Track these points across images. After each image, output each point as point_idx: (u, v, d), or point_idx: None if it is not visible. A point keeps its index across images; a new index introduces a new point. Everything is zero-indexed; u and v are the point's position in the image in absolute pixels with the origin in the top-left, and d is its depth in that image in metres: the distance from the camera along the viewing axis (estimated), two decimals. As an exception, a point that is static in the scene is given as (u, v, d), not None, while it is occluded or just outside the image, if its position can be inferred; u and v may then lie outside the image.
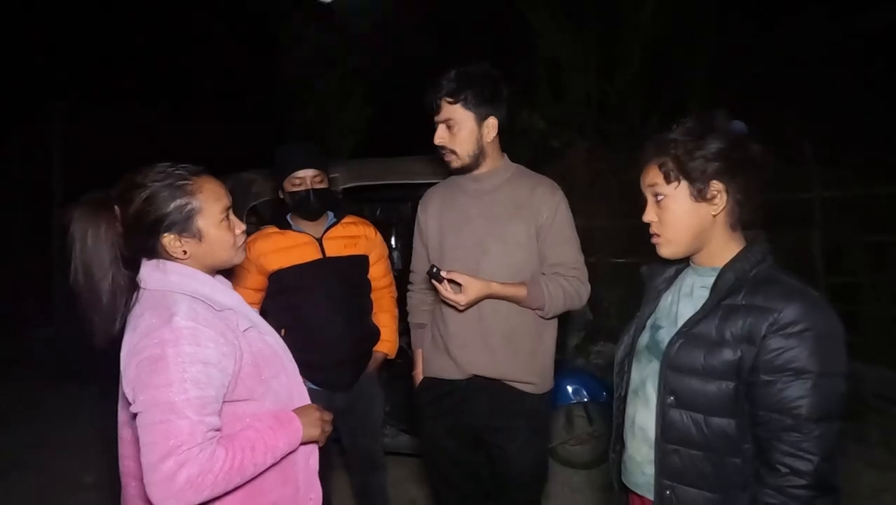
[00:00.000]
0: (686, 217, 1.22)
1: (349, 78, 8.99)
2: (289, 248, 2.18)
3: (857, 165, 4.69)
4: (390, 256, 2.59)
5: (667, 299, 1.34)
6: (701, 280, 1.27)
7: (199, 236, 1.23)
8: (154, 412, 1.09)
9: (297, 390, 1.35)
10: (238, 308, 1.26)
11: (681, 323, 1.24)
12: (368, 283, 2.36)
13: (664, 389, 1.21)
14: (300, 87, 8.92)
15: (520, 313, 1.83)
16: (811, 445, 1.06)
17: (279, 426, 1.24)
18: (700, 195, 1.20)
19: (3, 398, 4.87)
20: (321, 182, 2.17)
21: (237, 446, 1.16)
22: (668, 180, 1.22)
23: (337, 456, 2.74)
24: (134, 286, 1.21)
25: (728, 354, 1.14)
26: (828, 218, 4.74)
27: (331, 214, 2.28)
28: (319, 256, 2.20)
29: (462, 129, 1.80)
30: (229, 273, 1.40)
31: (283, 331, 1.78)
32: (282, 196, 2.23)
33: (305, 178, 2.14)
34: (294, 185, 2.15)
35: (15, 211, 7.72)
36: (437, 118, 1.83)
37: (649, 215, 1.28)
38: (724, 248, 1.23)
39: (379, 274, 2.39)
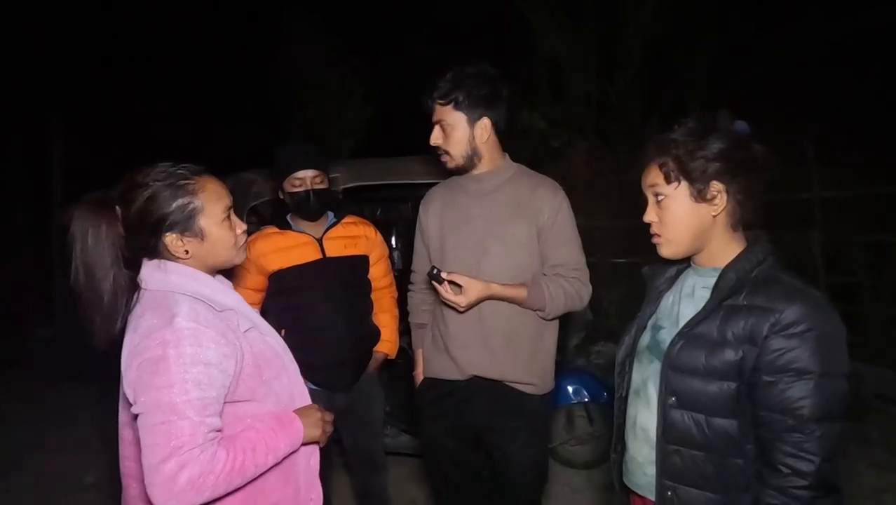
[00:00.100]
0: (686, 217, 1.22)
1: (349, 78, 8.99)
2: (289, 248, 2.18)
3: (857, 165, 4.69)
4: (391, 256, 2.59)
5: (668, 300, 1.34)
6: (702, 280, 1.27)
7: (201, 236, 1.23)
8: (155, 413, 1.09)
9: (298, 391, 1.35)
10: (239, 309, 1.26)
11: (682, 323, 1.24)
12: (369, 283, 2.36)
13: (665, 389, 1.21)
14: (300, 87, 8.92)
15: (520, 314, 1.82)
16: (813, 446, 1.06)
17: (280, 427, 1.24)
18: (700, 195, 1.20)
19: (3, 398, 4.87)
20: (321, 182, 2.17)
21: (238, 447, 1.15)
22: (668, 180, 1.22)
23: (337, 456, 2.74)
24: (135, 286, 1.21)
25: (729, 355, 1.13)
26: (828, 218, 4.73)
27: (331, 214, 2.28)
28: (319, 256, 2.20)
29: (455, 130, 1.81)
30: (229, 273, 1.40)
31: (283, 331, 1.77)
32: (282, 196, 2.22)
33: (305, 178, 2.14)
34: (294, 185, 2.15)
35: (15, 211, 7.72)
36: (432, 119, 1.85)
37: (650, 215, 1.28)
38: (725, 248, 1.23)
39: (379, 274, 2.39)
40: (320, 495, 1.38)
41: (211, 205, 1.23)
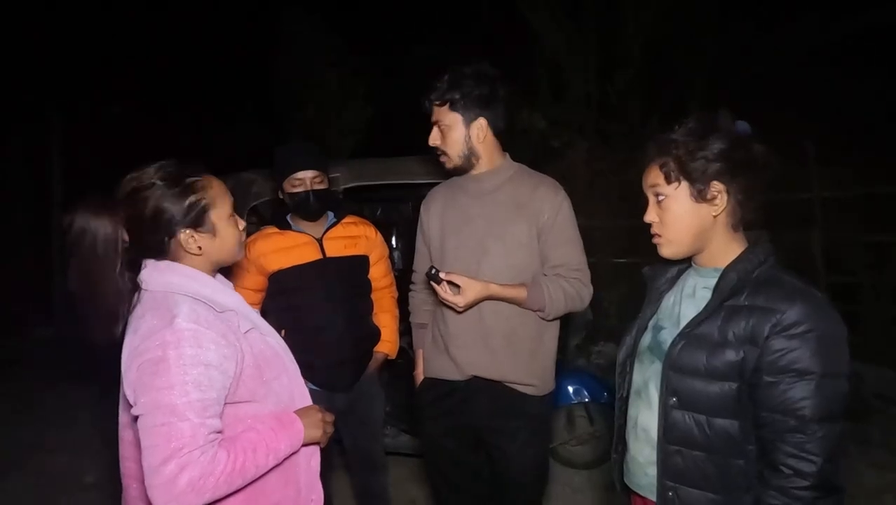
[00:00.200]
0: (686, 217, 1.22)
1: (349, 78, 8.99)
2: (289, 248, 2.18)
3: (857, 165, 4.69)
4: (391, 256, 2.59)
5: (669, 300, 1.34)
6: (703, 281, 1.27)
7: (213, 231, 1.24)
8: (155, 415, 1.09)
9: (298, 391, 1.35)
10: (239, 309, 1.26)
11: (683, 324, 1.24)
12: (369, 283, 2.36)
13: (666, 390, 1.21)
14: (300, 87, 8.92)
15: (520, 314, 1.82)
16: (814, 447, 1.06)
17: (281, 428, 1.24)
18: (700, 196, 1.19)
19: (3, 398, 4.86)
20: (321, 183, 2.17)
21: (239, 448, 1.15)
22: (668, 181, 1.22)
23: (338, 456, 2.74)
24: (135, 287, 1.21)
25: (731, 355, 1.13)
26: (828, 218, 4.74)
27: (331, 215, 2.28)
28: (319, 256, 2.19)
29: (452, 130, 1.83)
30: (229, 273, 1.40)
31: (283, 331, 1.77)
32: (281, 196, 2.22)
33: (305, 178, 2.14)
34: (294, 186, 2.15)
35: (15, 211, 7.72)
36: (431, 119, 1.85)
37: (650, 216, 1.28)
38: (726, 248, 1.23)
39: (379, 274, 2.39)
40: (321, 496, 1.37)
41: (220, 201, 1.25)
